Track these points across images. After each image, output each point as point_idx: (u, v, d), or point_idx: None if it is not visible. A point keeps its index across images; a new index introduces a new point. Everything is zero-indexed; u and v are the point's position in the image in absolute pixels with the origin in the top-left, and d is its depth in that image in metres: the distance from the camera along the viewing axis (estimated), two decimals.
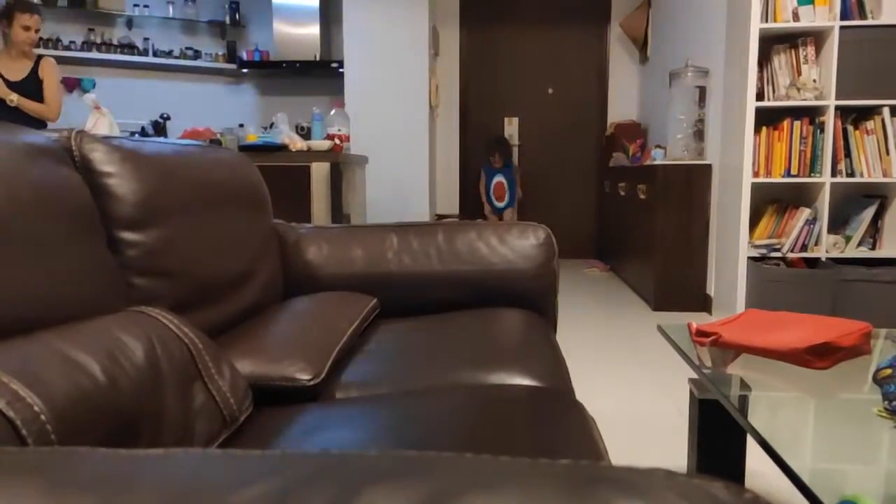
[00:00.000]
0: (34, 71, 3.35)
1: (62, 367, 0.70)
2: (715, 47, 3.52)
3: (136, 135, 4.80)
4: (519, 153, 5.67)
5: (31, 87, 3.32)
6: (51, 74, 3.42)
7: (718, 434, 1.32)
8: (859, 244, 3.08)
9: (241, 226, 1.38)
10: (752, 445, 0.99)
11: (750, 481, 1.44)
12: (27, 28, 3.25)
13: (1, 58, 3.28)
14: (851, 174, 3.04)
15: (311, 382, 1.08)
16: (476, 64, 5.62)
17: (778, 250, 3.09)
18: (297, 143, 3.30)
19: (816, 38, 3.05)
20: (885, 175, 3.00)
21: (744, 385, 1.20)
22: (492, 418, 0.96)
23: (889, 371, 1.04)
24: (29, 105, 3.28)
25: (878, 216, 3.09)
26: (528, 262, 1.62)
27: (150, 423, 0.79)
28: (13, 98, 3.21)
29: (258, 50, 5.41)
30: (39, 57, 3.40)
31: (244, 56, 5.40)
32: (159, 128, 5.17)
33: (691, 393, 1.37)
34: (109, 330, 0.82)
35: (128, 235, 1.02)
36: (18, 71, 3.31)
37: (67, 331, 0.77)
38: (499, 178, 5.12)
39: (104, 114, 3.68)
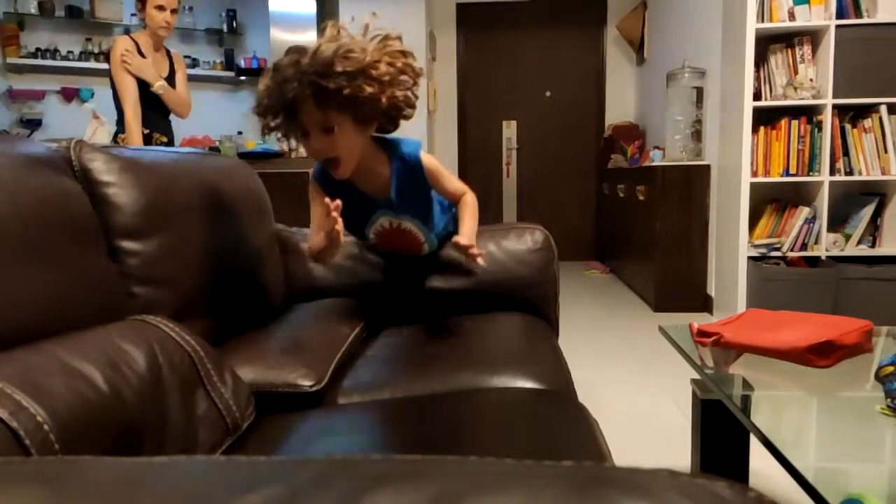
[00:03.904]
0: (172, 65, 3.03)
1: (64, 376, 0.70)
2: (711, 48, 3.52)
3: None
4: (518, 156, 5.67)
5: (172, 84, 2.99)
6: (184, 69, 3.13)
7: (721, 434, 1.32)
8: (859, 242, 3.08)
9: (242, 232, 1.39)
10: (755, 445, 0.99)
11: (754, 481, 1.44)
12: (161, 7, 2.81)
13: (146, 48, 2.89)
14: (850, 172, 3.04)
15: (314, 388, 1.08)
16: (473, 68, 5.63)
17: (778, 249, 3.09)
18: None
19: (812, 37, 3.06)
20: (883, 173, 3.00)
21: (746, 385, 1.20)
22: (495, 421, 0.96)
23: (891, 368, 1.04)
24: (171, 95, 2.95)
25: (878, 214, 3.09)
26: (528, 265, 1.62)
27: (153, 432, 0.79)
28: (161, 83, 2.89)
29: (256, 57, 5.42)
30: (168, 51, 3.06)
31: (242, 63, 5.41)
32: None
33: (694, 393, 1.37)
34: (111, 338, 0.82)
35: (128, 244, 1.03)
36: (163, 66, 2.98)
37: (69, 340, 0.77)
38: (385, 219, 1.43)
39: (103, 123, 3.68)
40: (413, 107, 1.29)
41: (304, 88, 1.15)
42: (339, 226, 1.19)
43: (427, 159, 1.39)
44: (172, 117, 3.10)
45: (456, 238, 1.31)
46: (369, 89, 1.16)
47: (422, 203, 1.44)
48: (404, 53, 1.25)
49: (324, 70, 1.14)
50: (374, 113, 1.23)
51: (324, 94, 1.15)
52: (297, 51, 1.17)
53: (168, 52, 3.06)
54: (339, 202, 1.17)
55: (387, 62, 1.20)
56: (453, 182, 1.46)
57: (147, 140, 2.88)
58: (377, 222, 1.45)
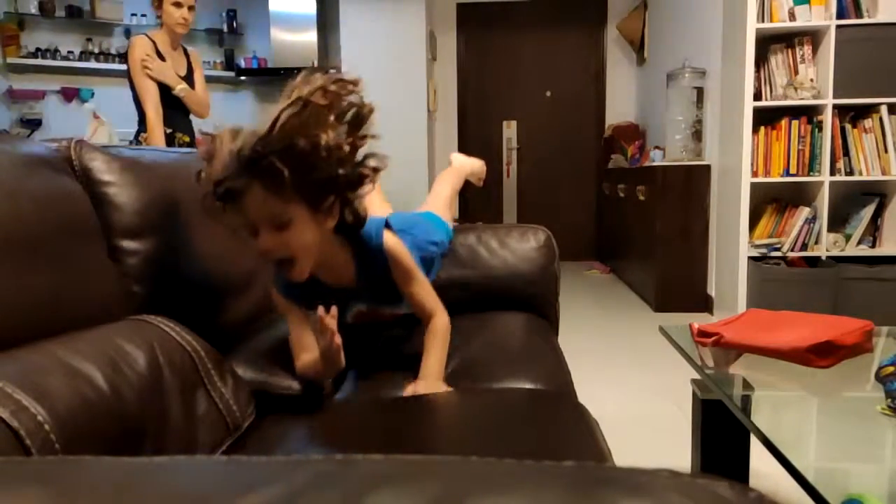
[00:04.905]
0: (189, 64, 3.02)
1: (65, 376, 0.70)
2: (712, 48, 3.52)
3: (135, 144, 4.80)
4: (518, 157, 5.67)
5: (189, 82, 2.98)
6: (201, 68, 3.11)
7: (722, 434, 1.32)
8: (859, 242, 3.08)
9: None
10: (755, 445, 0.99)
11: (754, 481, 1.44)
12: (178, 4, 2.82)
13: (164, 47, 2.89)
14: (850, 172, 3.04)
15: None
16: (474, 68, 5.63)
17: (778, 249, 3.09)
18: None
19: (813, 37, 3.06)
20: (883, 173, 3.00)
21: (746, 385, 1.20)
22: (494, 422, 0.96)
23: (891, 369, 1.04)
24: (191, 97, 2.96)
25: (878, 214, 3.09)
26: (529, 264, 1.62)
27: (153, 432, 0.79)
28: (182, 87, 2.90)
29: (256, 57, 5.42)
30: (185, 49, 3.05)
31: (242, 63, 5.41)
32: None
33: (694, 393, 1.37)
34: (111, 338, 0.82)
35: (128, 244, 1.02)
36: (181, 64, 2.97)
37: (70, 340, 0.77)
38: (363, 305, 1.25)
39: (103, 123, 3.68)
40: (377, 169, 1.03)
41: (253, 168, 0.92)
42: (339, 341, 1.00)
43: (393, 247, 1.12)
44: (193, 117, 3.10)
45: (409, 386, 1.07)
46: (325, 135, 0.93)
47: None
48: (349, 85, 0.99)
49: (268, 136, 0.92)
50: (333, 185, 0.97)
51: (273, 167, 0.90)
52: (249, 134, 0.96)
53: (185, 51, 3.04)
54: (334, 311, 0.97)
55: (333, 91, 0.97)
56: (425, 291, 1.17)
57: (170, 139, 2.89)
58: (353, 309, 1.23)
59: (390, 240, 1.12)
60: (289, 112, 0.92)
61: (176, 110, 2.93)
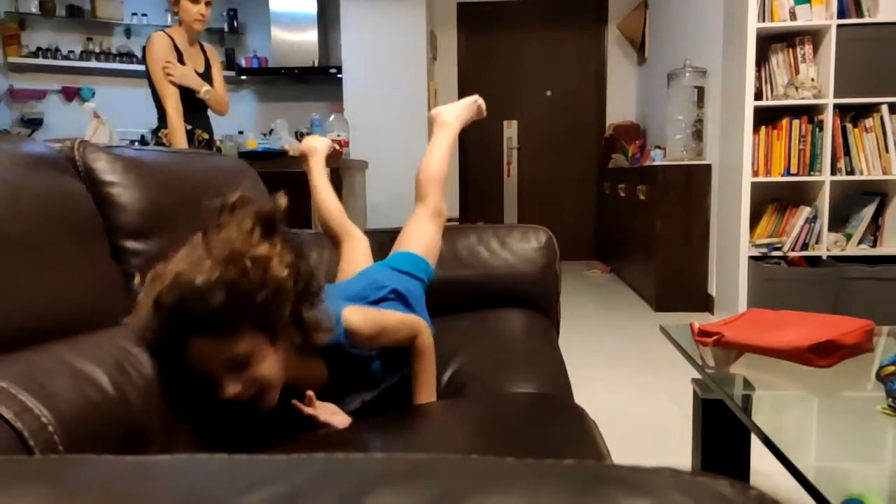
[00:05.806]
0: (207, 60, 3.01)
1: (70, 378, 0.70)
2: (713, 47, 3.52)
3: (136, 143, 4.81)
4: (518, 156, 5.67)
5: (208, 78, 2.96)
6: (219, 64, 3.09)
7: (722, 434, 1.32)
8: (860, 242, 3.08)
9: None
10: (756, 444, 0.99)
11: (755, 480, 1.44)
12: (195, 0, 2.82)
13: (182, 44, 2.88)
14: (851, 172, 3.04)
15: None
16: (474, 67, 5.63)
17: (779, 249, 3.09)
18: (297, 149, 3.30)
19: (814, 36, 3.05)
20: (884, 172, 2.99)
21: (747, 384, 1.20)
22: (490, 428, 0.95)
23: (892, 368, 1.04)
24: (213, 97, 2.94)
25: (879, 213, 3.09)
26: (530, 265, 1.62)
27: (158, 435, 0.79)
28: (206, 89, 2.89)
29: (256, 57, 5.42)
30: (202, 44, 3.04)
31: (243, 63, 5.41)
32: None
33: (695, 393, 1.37)
34: (117, 340, 0.82)
35: (132, 244, 1.02)
36: (199, 61, 2.96)
37: (75, 342, 0.77)
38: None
39: (103, 122, 3.68)
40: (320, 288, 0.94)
41: (184, 321, 0.80)
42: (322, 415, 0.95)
43: (355, 326, 0.98)
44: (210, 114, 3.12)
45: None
46: (260, 249, 0.83)
47: (373, 372, 1.08)
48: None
49: (192, 283, 0.79)
50: (284, 306, 0.86)
51: (209, 314, 0.79)
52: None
53: (202, 46, 3.05)
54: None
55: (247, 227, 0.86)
56: (399, 332, 1.06)
57: (190, 136, 2.91)
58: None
59: (353, 318, 0.99)
60: (216, 253, 0.81)
61: (195, 108, 2.94)
